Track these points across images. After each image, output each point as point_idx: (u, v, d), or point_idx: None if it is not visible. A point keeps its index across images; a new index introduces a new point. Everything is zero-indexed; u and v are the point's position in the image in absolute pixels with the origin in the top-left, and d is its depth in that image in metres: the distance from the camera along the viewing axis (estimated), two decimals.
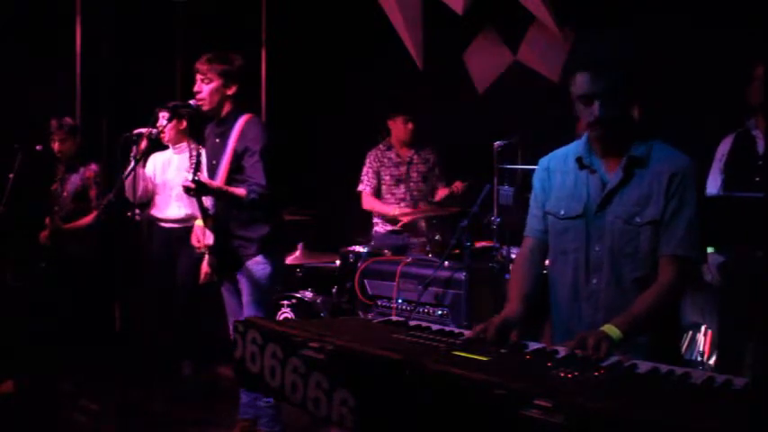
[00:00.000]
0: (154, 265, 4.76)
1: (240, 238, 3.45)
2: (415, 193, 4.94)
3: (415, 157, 4.97)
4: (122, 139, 3.41)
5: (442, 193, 4.94)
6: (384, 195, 4.97)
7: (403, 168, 4.94)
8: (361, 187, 4.98)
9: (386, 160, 4.97)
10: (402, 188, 4.94)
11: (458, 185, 4.78)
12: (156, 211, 4.75)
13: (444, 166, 5.06)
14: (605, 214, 2.08)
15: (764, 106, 3.53)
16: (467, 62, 5.91)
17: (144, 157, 4.48)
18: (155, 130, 3.60)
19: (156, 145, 4.61)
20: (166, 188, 4.70)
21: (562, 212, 2.17)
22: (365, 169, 4.98)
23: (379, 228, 4.97)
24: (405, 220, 4.71)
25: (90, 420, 3.99)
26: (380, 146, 5.03)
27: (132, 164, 3.33)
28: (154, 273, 4.75)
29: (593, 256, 2.10)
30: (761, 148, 3.54)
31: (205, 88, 3.38)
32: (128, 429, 3.63)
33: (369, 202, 4.96)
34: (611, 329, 1.85)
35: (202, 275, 3.67)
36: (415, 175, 4.96)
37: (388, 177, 4.95)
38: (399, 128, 4.93)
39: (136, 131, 3.49)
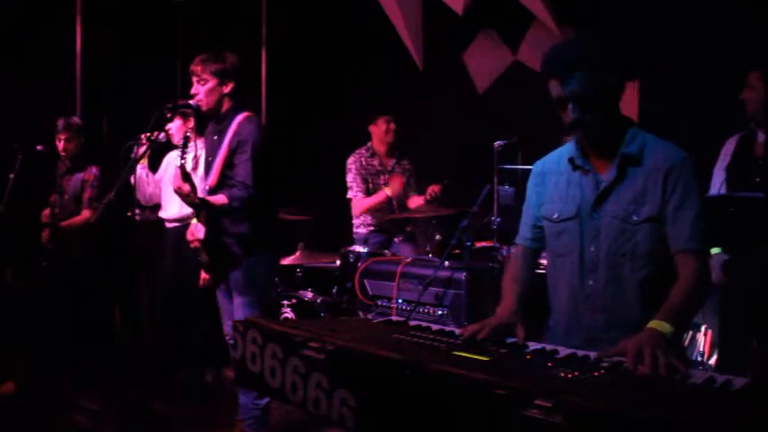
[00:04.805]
0: (155, 265, 4.75)
1: (232, 237, 3.44)
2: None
3: (397, 167, 4.89)
4: (126, 146, 3.44)
5: (416, 201, 4.83)
6: None
7: (383, 178, 4.86)
8: (350, 194, 4.86)
9: (370, 167, 4.88)
10: None
11: (434, 189, 4.60)
12: (161, 211, 4.73)
13: (427, 175, 4.91)
14: (600, 214, 2.06)
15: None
16: (467, 62, 5.91)
17: (142, 160, 4.48)
18: (161, 134, 3.61)
19: (168, 146, 4.60)
20: (170, 186, 4.67)
21: (556, 216, 2.15)
22: (352, 176, 4.85)
23: (361, 230, 4.90)
24: (420, 202, 4.69)
25: (90, 420, 3.99)
26: (362, 150, 4.91)
27: (130, 164, 3.34)
28: (155, 273, 4.74)
29: (588, 256, 2.07)
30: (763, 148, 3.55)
31: (201, 89, 3.40)
32: (128, 429, 3.63)
33: (359, 206, 4.84)
34: (660, 325, 1.79)
35: (201, 281, 3.67)
36: None
37: (371, 185, 4.87)
38: (381, 131, 4.83)
39: (144, 136, 3.50)
